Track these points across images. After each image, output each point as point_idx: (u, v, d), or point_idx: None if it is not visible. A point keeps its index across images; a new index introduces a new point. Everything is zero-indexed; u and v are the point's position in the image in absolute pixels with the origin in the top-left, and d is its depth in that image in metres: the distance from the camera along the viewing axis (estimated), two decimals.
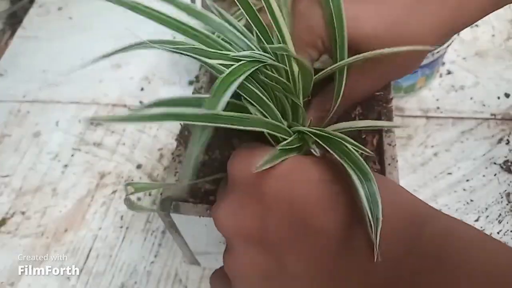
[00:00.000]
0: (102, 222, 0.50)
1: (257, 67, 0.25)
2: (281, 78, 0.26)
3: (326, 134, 0.26)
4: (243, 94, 0.25)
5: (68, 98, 0.62)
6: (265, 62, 0.25)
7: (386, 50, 0.24)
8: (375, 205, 0.21)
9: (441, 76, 0.58)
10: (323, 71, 0.29)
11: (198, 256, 0.43)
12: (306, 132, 0.27)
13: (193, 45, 0.25)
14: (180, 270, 0.45)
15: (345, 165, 0.23)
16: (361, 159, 0.23)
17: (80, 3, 0.74)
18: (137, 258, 0.47)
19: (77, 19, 0.73)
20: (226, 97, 0.21)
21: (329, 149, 0.24)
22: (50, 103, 0.62)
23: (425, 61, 0.50)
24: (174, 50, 0.24)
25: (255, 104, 0.25)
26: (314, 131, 0.26)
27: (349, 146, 0.24)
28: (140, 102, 0.60)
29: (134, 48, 0.23)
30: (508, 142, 0.51)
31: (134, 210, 0.38)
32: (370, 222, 0.20)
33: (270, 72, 0.26)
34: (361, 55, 0.26)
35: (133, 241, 0.48)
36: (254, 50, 0.27)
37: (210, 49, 0.25)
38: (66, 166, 0.55)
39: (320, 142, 0.25)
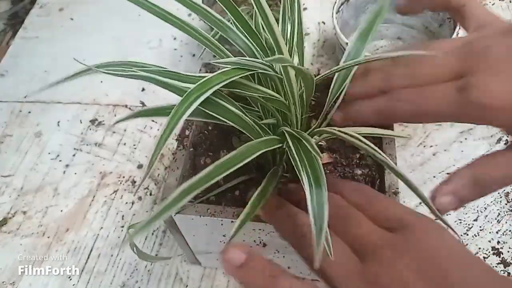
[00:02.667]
0: (103, 221, 0.50)
1: (232, 78, 0.24)
2: (270, 92, 0.26)
3: (300, 137, 0.26)
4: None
5: (69, 99, 0.62)
6: (254, 70, 0.25)
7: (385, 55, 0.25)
8: (321, 214, 0.21)
9: None
10: (323, 74, 0.30)
11: (199, 256, 0.43)
12: (286, 132, 0.27)
13: (159, 69, 0.25)
14: (181, 269, 0.46)
15: (300, 169, 0.23)
16: (321, 168, 0.23)
17: (81, 4, 0.75)
18: (138, 258, 0.47)
19: (78, 20, 0.73)
20: (190, 110, 0.21)
21: (294, 151, 0.25)
22: (51, 103, 0.62)
23: None
24: (128, 75, 0.24)
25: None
26: (293, 132, 0.27)
27: (314, 152, 0.24)
28: (141, 102, 0.60)
29: (81, 75, 0.23)
30: (506, 142, 0.52)
31: (146, 260, 0.38)
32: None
33: (255, 86, 0.26)
34: (362, 58, 0.26)
35: (134, 241, 0.48)
36: (253, 50, 0.27)
37: (181, 72, 0.25)
38: (67, 166, 0.55)
39: (291, 145, 0.25)
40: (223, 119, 0.26)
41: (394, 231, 0.25)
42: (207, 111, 0.25)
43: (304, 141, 0.25)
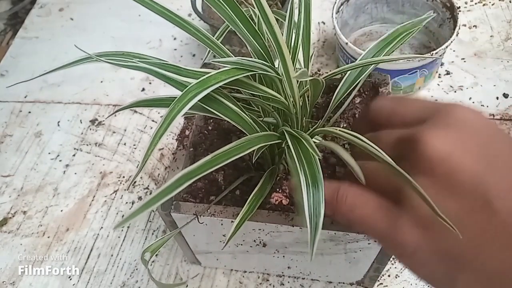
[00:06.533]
0: (103, 221, 0.50)
1: (231, 78, 0.24)
2: (271, 92, 0.26)
3: (299, 136, 0.26)
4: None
5: (69, 99, 0.62)
6: (254, 71, 0.25)
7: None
8: (317, 212, 0.22)
9: (440, 76, 0.58)
10: (328, 74, 0.30)
11: (199, 255, 0.43)
12: (286, 132, 0.27)
13: (160, 62, 0.25)
14: (181, 269, 0.46)
15: (298, 168, 0.23)
16: (319, 167, 0.23)
17: (81, 4, 0.75)
18: (138, 257, 0.47)
19: (78, 20, 0.73)
20: (187, 107, 0.21)
21: (292, 150, 0.25)
22: (51, 103, 0.62)
23: (424, 62, 0.50)
24: (127, 65, 0.24)
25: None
26: (293, 132, 0.27)
27: (312, 151, 0.24)
28: None
29: (82, 62, 0.23)
30: None
31: None
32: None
33: (255, 88, 0.26)
34: (365, 60, 0.26)
35: (134, 241, 0.48)
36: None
37: (180, 66, 0.25)
38: (67, 166, 0.55)
39: (290, 144, 0.26)
40: (222, 115, 0.26)
41: (428, 119, 0.25)
42: (206, 106, 0.25)
43: (303, 141, 0.25)
